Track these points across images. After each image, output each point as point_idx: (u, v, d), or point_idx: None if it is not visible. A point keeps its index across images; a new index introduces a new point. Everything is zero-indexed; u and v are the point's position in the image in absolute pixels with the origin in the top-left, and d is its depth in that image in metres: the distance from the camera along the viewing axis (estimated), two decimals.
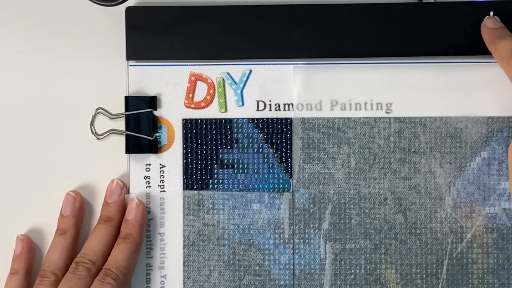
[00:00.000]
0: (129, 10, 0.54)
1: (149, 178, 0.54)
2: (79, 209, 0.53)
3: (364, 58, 0.53)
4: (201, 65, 0.54)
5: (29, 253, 0.53)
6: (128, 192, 0.54)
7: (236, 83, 0.54)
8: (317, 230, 0.54)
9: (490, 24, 0.52)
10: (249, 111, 0.54)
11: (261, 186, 0.54)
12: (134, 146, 0.54)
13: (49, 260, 0.51)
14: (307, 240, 0.54)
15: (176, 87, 0.54)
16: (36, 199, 0.54)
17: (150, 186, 0.54)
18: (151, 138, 0.54)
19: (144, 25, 0.54)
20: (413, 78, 0.53)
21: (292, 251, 0.54)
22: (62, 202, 0.53)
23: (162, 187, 0.54)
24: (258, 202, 0.54)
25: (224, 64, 0.54)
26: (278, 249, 0.54)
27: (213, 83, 0.54)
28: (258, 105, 0.54)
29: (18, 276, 0.52)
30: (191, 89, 0.54)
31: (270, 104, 0.54)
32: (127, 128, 0.54)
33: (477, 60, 0.53)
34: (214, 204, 0.54)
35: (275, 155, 0.54)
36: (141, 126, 0.54)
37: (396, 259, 0.54)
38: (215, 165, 0.54)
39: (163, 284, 0.54)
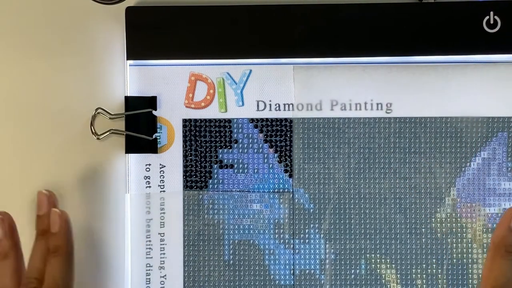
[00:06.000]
0: (129, 10, 0.54)
1: (149, 178, 0.54)
2: (13, 229, 0.50)
3: (364, 58, 0.53)
4: (201, 65, 0.54)
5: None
6: (128, 192, 0.54)
7: (236, 83, 0.54)
8: (317, 230, 0.54)
9: None
10: (249, 111, 0.54)
11: (261, 186, 0.54)
12: (134, 146, 0.54)
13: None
14: (307, 240, 0.54)
15: (176, 87, 0.54)
16: (35, 199, 0.54)
17: (150, 186, 0.54)
18: (151, 138, 0.54)
19: (144, 25, 0.54)
20: (413, 78, 0.53)
21: (292, 251, 0.54)
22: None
23: (162, 187, 0.54)
24: (258, 202, 0.54)
25: (224, 64, 0.54)
26: (278, 249, 0.54)
27: (213, 83, 0.54)
28: (258, 105, 0.54)
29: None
30: (191, 89, 0.54)
31: (270, 104, 0.54)
32: (127, 128, 0.54)
33: (477, 60, 0.53)
34: (214, 204, 0.54)
35: (275, 155, 0.54)
36: (141, 126, 0.54)
37: (396, 259, 0.53)
38: (215, 165, 0.54)
39: (163, 284, 0.54)
